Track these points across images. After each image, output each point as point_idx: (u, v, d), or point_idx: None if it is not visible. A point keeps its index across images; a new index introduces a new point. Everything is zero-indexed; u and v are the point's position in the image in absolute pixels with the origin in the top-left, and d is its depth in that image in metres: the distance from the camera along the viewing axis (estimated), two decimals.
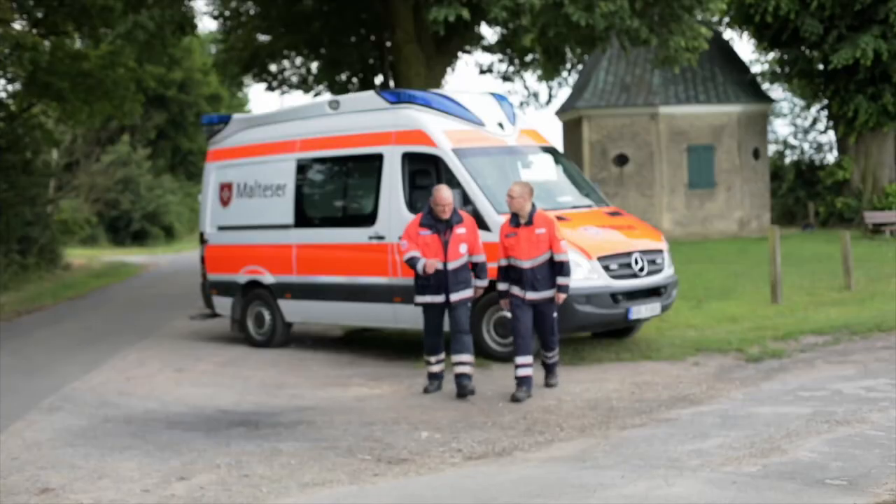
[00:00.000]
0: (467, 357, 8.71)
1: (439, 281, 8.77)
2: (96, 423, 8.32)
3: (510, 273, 8.63)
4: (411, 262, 8.81)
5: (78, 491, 6.28)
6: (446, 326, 9.07)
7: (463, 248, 8.79)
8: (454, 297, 8.81)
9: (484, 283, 9.05)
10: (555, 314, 8.73)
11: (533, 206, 8.60)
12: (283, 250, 12.02)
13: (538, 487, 5.92)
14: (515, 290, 8.60)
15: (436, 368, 9.06)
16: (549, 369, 9.04)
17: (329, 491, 6.11)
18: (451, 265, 8.75)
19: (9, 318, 16.58)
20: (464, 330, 8.80)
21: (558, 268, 8.54)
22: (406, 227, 9.03)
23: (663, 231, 26.15)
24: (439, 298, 8.84)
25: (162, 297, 19.75)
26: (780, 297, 13.69)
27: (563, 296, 8.63)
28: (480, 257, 8.97)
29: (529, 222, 8.52)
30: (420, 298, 8.95)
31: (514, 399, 8.43)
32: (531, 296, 8.54)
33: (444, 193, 8.76)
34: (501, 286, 8.76)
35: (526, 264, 8.49)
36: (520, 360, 8.51)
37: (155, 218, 45.65)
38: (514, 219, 8.61)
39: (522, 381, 8.54)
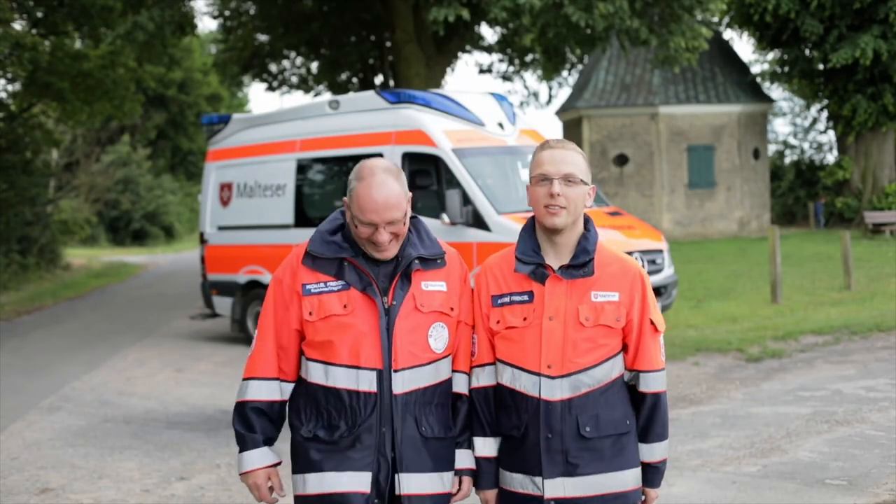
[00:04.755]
0: None
1: (364, 428, 2.93)
2: (96, 423, 8.32)
3: (499, 416, 3.05)
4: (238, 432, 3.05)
5: (78, 491, 6.28)
6: None
7: (438, 340, 2.99)
8: (409, 486, 2.94)
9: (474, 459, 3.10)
10: None
11: (588, 221, 3.04)
12: (283, 250, 12.00)
13: None
14: (514, 481, 3.00)
15: None
16: None
17: None
18: (402, 383, 2.94)
19: (9, 317, 16.58)
20: None
21: (645, 412, 3.03)
22: (279, 269, 3.08)
23: (663, 231, 26.21)
24: (360, 483, 2.93)
25: (162, 297, 19.74)
26: (780, 297, 13.69)
27: (655, 495, 3.09)
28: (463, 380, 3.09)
29: (582, 267, 2.96)
30: (301, 485, 3.08)
31: None
32: (555, 492, 2.93)
33: (379, 195, 2.86)
34: (481, 449, 3.06)
35: (550, 391, 2.93)
36: None
37: (155, 218, 45.66)
38: (529, 254, 3.00)
39: None
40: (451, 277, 3.04)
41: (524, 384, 2.95)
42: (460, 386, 3.07)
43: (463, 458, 3.07)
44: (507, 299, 2.99)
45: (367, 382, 2.92)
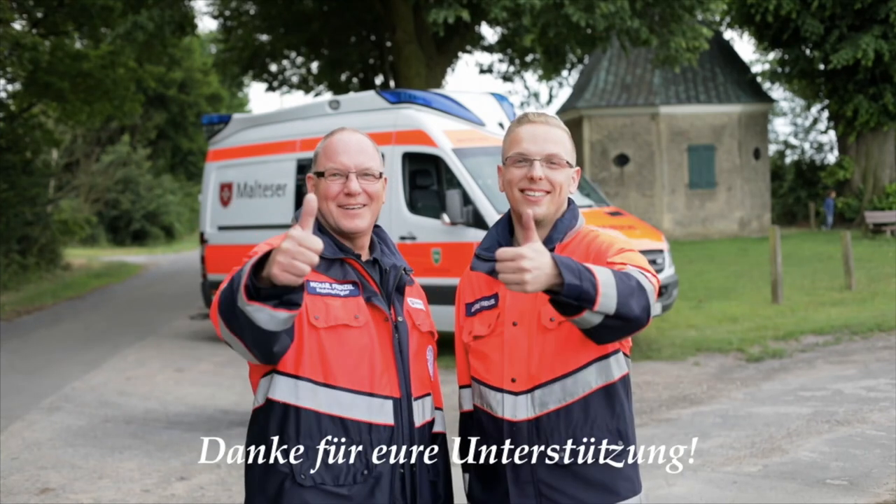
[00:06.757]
0: None
1: (380, 471, 2.34)
2: (96, 423, 8.31)
3: (479, 440, 2.53)
4: None
5: (78, 491, 6.27)
6: None
7: (431, 367, 2.56)
8: None
9: None
10: None
11: (571, 204, 2.55)
12: None
13: None
14: None
15: None
16: None
17: None
18: (419, 413, 2.45)
19: (9, 318, 16.57)
20: None
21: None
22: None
23: (664, 231, 26.21)
24: None
25: (162, 296, 19.73)
26: (780, 297, 13.68)
27: (549, 267, 2.04)
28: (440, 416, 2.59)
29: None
30: None
31: None
32: None
33: (350, 138, 2.54)
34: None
35: (514, 409, 2.42)
36: None
37: (155, 218, 45.67)
38: (494, 248, 2.50)
39: None
40: (422, 297, 2.62)
41: (489, 403, 2.46)
42: (441, 425, 2.58)
43: None
44: (477, 306, 2.52)
45: (383, 413, 2.36)
